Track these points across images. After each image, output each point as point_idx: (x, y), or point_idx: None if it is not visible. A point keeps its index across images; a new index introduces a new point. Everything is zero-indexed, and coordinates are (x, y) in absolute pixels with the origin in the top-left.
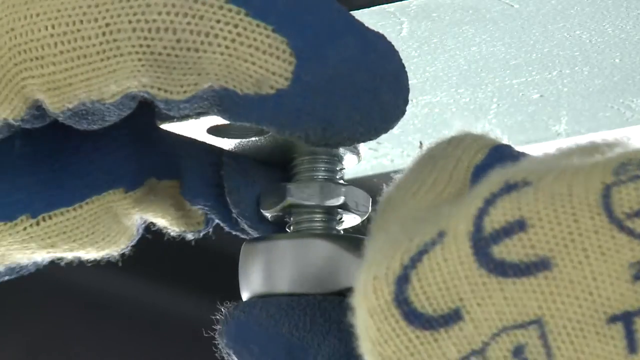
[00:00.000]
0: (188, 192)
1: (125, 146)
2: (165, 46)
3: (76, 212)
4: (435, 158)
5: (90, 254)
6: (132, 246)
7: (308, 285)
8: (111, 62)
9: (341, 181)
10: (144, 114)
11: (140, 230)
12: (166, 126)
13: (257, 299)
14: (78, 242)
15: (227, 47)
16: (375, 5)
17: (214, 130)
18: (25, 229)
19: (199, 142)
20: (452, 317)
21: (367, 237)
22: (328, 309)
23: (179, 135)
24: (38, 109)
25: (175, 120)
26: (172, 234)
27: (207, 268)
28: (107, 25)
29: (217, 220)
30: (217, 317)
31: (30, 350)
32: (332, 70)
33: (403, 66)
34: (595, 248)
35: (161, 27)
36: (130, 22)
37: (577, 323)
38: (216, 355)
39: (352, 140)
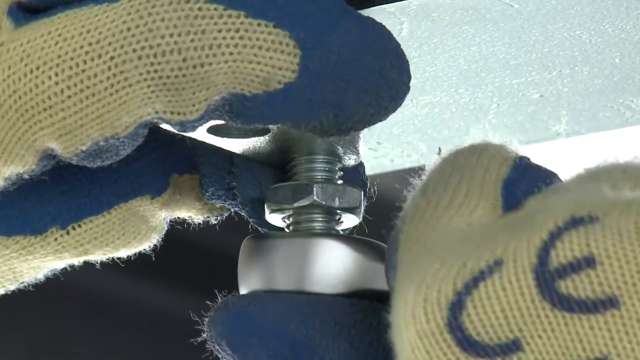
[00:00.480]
0: (205, 192)
1: (149, 153)
2: (172, 68)
3: (105, 219)
4: (460, 168)
5: (123, 253)
6: None
7: (311, 284)
8: (121, 95)
9: (340, 181)
10: None
11: (167, 223)
12: (167, 125)
13: (265, 292)
14: (111, 246)
15: (231, 53)
16: (375, 5)
17: (214, 130)
18: (56, 239)
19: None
20: (511, 347)
21: (396, 248)
22: (339, 311)
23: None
24: (50, 157)
25: None
26: (195, 222)
27: (207, 268)
28: (112, 58)
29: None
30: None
31: (32, 350)
32: (336, 55)
33: (399, 44)
34: None
35: (166, 50)
36: (135, 50)
37: None
38: (216, 355)
39: (364, 122)
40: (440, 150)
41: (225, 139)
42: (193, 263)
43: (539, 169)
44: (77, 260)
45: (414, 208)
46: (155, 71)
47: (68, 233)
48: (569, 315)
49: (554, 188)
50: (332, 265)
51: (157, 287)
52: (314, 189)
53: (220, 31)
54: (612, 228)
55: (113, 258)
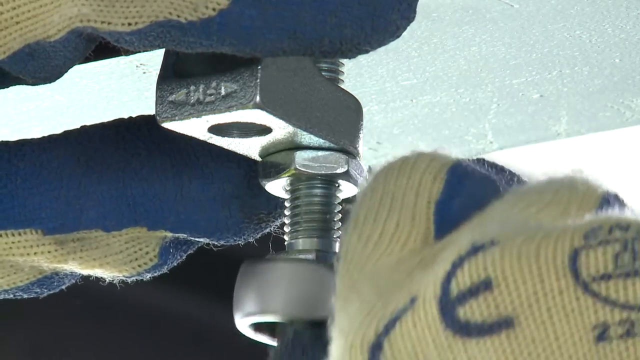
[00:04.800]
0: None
1: (55, 190)
2: None
3: None
4: (391, 193)
5: None
6: None
7: (301, 309)
8: None
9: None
10: (80, 161)
11: (59, 284)
12: (167, 125)
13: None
14: None
15: None
16: None
17: (214, 130)
18: None
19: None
20: None
21: (334, 293)
22: None
23: (126, 174)
24: None
25: (176, 119)
26: (112, 280)
27: (207, 268)
28: None
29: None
30: (217, 316)
31: (32, 350)
32: None
33: None
34: (560, 308)
35: None
36: None
37: None
38: (216, 355)
39: (347, 44)
40: (370, 168)
41: (225, 138)
42: (193, 263)
43: (476, 177)
44: None
45: (346, 245)
46: None
47: None
48: (468, 340)
49: (481, 213)
50: (319, 291)
51: (157, 287)
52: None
53: None
54: (512, 250)
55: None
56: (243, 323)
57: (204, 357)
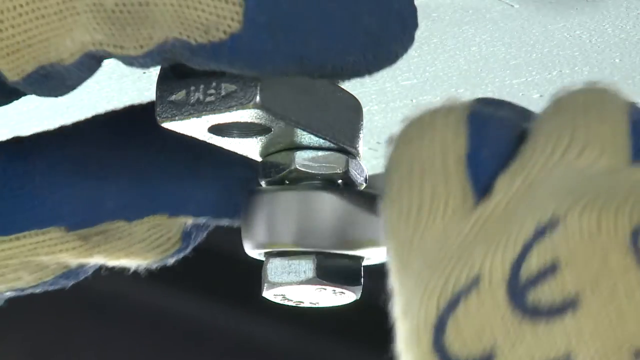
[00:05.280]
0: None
1: (74, 185)
2: (116, 3)
3: (12, 244)
4: (415, 158)
5: (21, 280)
6: None
7: (314, 239)
8: (69, 22)
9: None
10: (98, 153)
11: (84, 273)
12: (167, 125)
13: None
14: (10, 269)
15: None
16: None
17: (214, 130)
18: None
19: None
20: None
21: (390, 274)
22: None
23: (146, 165)
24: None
25: (176, 119)
26: (141, 267)
27: (207, 268)
28: None
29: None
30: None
31: (32, 350)
32: (286, 5)
33: None
34: (623, 287)
35: None
36: None
37: (605, 356)
38: (216, 355)
39: (348, 70)
40: (391, 138)
41: (225, 138)
42: (193, 263)
43: (495, 120)
44: None
45: (390, 224)
46: (101, 4)
47: None
48: (537, 322)
49: (519, 162)
50: (329, 218)
51: (157, 287)
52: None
53: None
54: (574, 229)
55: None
56: (254, 252)
57: (204, 357)
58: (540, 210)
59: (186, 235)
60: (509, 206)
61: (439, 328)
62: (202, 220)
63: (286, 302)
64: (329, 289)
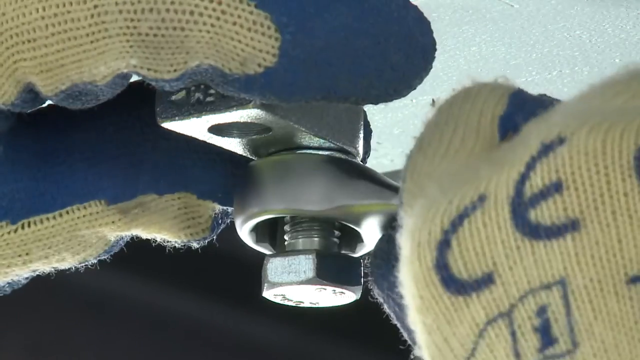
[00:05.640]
0: (210, 196)
1: (113, 159)
2: (150, 27)
3: (55, 221)
4: (454, 115)
5: (65, 261)
6: (134, 246)
7: (304, 203)
8: (100, 44)
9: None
10: (135, 128)
11: (122, 243)
12: (167, 124)
13: (386, 245)
14: (54, 249)
15: (212, 25)
16: None
17: (214, 130)
18: (3, 235)
19: (202, 145)
20: (485, 281)
21: (401, 206)
22: None
23: (179, 144)
24: (30, 92)
25: (176, 118)
26: (174, 245)
27: (207, 268)
28: (95, 7)
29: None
30: (218, 318)
31: (31, 350)
32: (321, 41)
33: (417, 23)
34: (624, 211)
35: (145, 8)
36: (117, 3)
37: (598, 283)
38: (216, 355)
39: (368, 101)
40: (433, 101)
41: (225, 138)
42: (193, 263)
43: (537, 99)
44: (17, 262)
45: (412, 164)
46: (135, 27)
47: (16, 230)
48: (536, 242)
49: (550, 110)
50: (316, 183)
51: (157, 287)
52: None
53: (202, 0)
54: (579, 148)
55: (113, 257)
56: (245, 229)
57: (204, 357)
58: (546, 130)
59: (215, 223)
60: (524, 136)
61: (442, 247)
62: (229, 208)
63: (286, 302)
64: (329, 289)
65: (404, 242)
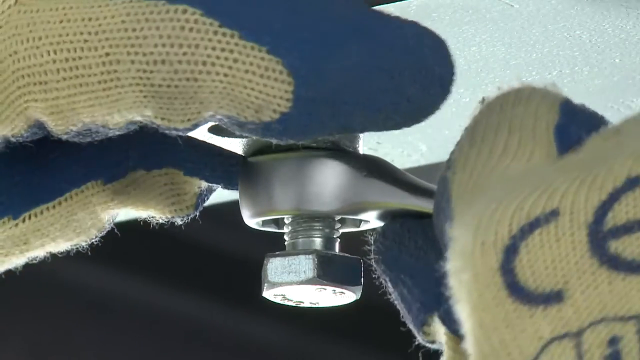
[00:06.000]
0: (198, 174)
1: (103, 139)
2: (163, 78)
3: (55, 210)
4: (508, 119)
5: (59, 246)
6: (134, 247)
7: (307, 203)
8: (113, 92)
9: None
10: None
11: (112, 223)
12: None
13: (398, 226)
14: (50, 237)
15: (225, 74)
16: (376, 6)
17: (214, 130)
18: (5, 231)
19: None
20: (553, 298)
21: (448, 199)
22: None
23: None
24: (40, 127)
25: None
26: (158, 221)
27: (207, 268)
28: (107, 55)
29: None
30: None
31: (32, 350)
32: (334, 82)
33: (436, 53)
34: None
35: (158, 60)
36: (128, 53)
37: None
38: (216, 355)
39: (386, 129)
40: (483, 99)
41: (225, 138)
42: (193, 263)
43: (585, 111)
44: (14, 252)
45: (464, 158)
46: (148, 78)
47: (17, 225)
48: (614, 273)
49: (614, 128)
50: (327, 183)
51: (157, 287)
52: None
53: (214, 49)
54: None
55: (113, 257)
56: (252, 221)
57: (203, 357)
58: (632, 161)
59: (200, 200)
60: (596, 154)
61: (511, 250)
62: (215, 187)
63: (286, 302)
64: (329, 289)
65: (460, 237)
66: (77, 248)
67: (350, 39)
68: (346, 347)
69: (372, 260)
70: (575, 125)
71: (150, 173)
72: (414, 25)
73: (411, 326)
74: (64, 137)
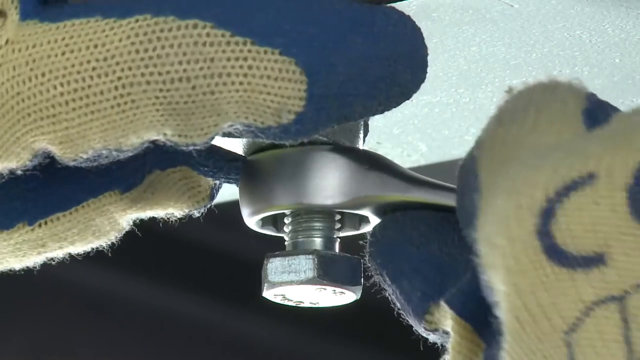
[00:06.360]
0: (207, 172)
1: None
2: (182, 95)
3: (72, 216)
4: (535, 100)
5: (77, 248)
6: (133, 246)
7: (309, 197)
8: (128, 115)
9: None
10: None
11: (131, 223)
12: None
13: (400, 215)
14: (69, 241)
15: (241, 83)
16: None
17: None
18: (20, 235)
19: None
20: (594, 261)
21: (475, 172)
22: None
23: None
24: (45, 156)
25: None
26: (176, 218)
27: (207, 268)
28: (119, 79)
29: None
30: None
31: (32, 350)
32: (342, 75)
33: (416, 37)
34: None
35: (175, 78)
36: (143, 74)
37: None
38: (216, 355)
39: (372, 114)
40: (510, 89)
41: (225, 138)
42: (193, 263)
43: (609, 104)
44: (32, 254)
45: (492, 137)
46: (165, 97)
47: (33, 230)
48: None
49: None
50: (328, 176)
51: (157, 287)
52: None
53: (229, 59)
54: None
55: (113, 258)
56: (252, 219)
57: (203, 357)
58: None
59: (215, 191)
60: (626, 125)
61: (547, 213)
62: (230, 180)
63: (286, 302)
64: (329, 289)
65: (495, 201)
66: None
67: (352, 31)
68: (346, 347)
69: (367, 255)
70: (601, 112)
71: (166, 172)
72: (394, 11)
73: (410, 318)
74: (72, 164)
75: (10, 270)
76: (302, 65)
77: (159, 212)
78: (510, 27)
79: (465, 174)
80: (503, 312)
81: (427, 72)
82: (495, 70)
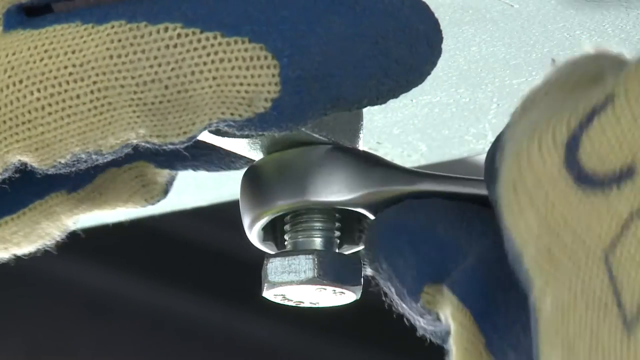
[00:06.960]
0: (171, 165)
1: None
2: (155, 95)
3: (19, 220)
4: (575, 73)
5: (22, 250)
6: (133, 247)
7: (314, 194)
8: (105, 117)
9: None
10: None
11: (77, 223)
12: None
13: (407, 201)
14: (14, 242)
15: (214, 78)
16: None
17: (214, 130)
18: None
19: None
20: (625, 173)
21: (504, 132)
22: (475, 210)
23: None
24: (17, 170)
25: None
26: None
27: (207, 268)
28: (95, 83)
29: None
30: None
31: (31, 350)
32: (319, 56)
33: (414, 11)
34: None
35: (147, 80)
36: (117, 79)
37: None
38: (215, 355)
39: (383, 98)
40: (553, 60)
41: (225, 138)
42: (193, 263)
43: None
44: None
45: (523, 104)
46: (139, 99)
47: None
48: None
49: None
50: (334, 173)
51: (157, 287)
52: None
53: (200, 56)
54: None
55: (113, 257)
56: (255, 229)
57: (203, 357)
58: None
59: (169, 185)
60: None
61: (572, 144)
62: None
63: (286, 302)
64: (329, 289)
65: (518, 145)
66: (61, 246)
67: (329, 11)
68: (346, 347)
69: (364, 240)
70: None
71: (122, 168)
72: None
73: (403, 302)
74: (51, 170)
75: (10, 270)
76: (271, 49)
77: (106, 211)
78: (510, 27)
79: (493, 150)
80: (531, 256)
81: (436, 48)
82: (495, 70)
